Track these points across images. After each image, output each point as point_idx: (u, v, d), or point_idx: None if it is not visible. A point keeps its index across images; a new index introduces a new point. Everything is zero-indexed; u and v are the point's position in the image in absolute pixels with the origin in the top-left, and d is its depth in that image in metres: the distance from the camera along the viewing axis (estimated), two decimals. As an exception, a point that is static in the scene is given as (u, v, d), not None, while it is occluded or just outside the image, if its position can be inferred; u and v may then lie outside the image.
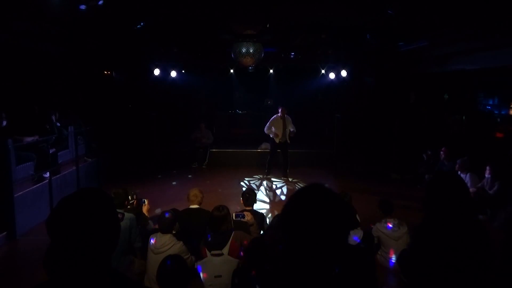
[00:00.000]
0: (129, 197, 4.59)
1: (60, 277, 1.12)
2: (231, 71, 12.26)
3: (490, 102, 10.13)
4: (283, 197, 7.78)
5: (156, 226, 4.19)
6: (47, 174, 6.59)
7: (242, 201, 4.69)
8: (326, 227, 1.06)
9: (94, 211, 1.15)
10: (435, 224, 1.92)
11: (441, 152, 7.75)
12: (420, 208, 2.07)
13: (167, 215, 3.79)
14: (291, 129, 8.89)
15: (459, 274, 1.81)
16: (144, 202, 4.80)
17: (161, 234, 3.68)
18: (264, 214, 5.06)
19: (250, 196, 4.67)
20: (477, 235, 1.87)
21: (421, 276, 1.93)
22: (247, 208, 4.60)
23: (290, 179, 9.03)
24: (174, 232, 4.21)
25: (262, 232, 4.41)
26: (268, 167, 9.16)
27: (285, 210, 1.16)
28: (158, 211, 5.95)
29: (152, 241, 3.66)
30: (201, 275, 3.35)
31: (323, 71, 11.01)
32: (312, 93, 12.27)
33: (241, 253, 3.49)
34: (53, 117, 7.71)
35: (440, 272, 1.84)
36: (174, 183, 8.89)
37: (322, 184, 1.16)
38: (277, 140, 8.90)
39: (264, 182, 8.87)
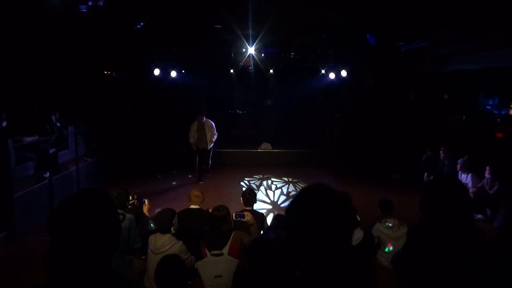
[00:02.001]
0: (130, 197, 4.60)
1: (60, 277, 1.11)
2: (231, 71, 12.26)
3: (490, 102, 10.13)
4: (283, 197, 7.78)
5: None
6: (47, 174, 6.59)
7: (242, 201, 4.69)
8: (330, 227, 1.06)
9: (95, 211, 1.15)
10: (430, 227, 1.91)
11: (440, 152, 7.75)
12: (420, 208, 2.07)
13: (164, 211, 3.81)
14: (214, 137, 8.77)
15: (453, 277, 1.80)
16: (144, 202, 4.80)
17: (161, 234, 3.68)
18: (264, 214, 5.06)
19: (250, 196, 4.67)
20: (473, 238, 1.86)
21: (415, 277, 1.92)
22: (247, 208, 4.60)
23: (290, 179, 9.01)
24: (174, 232, 4.21)
25: (262, 232, 4.41)
26: (198, 174, 8.84)
27: (289, 210, 1.16)
28: (158, 211, 5.95)
29: (152, 241, 3.66)
30: None
31: (323, 71, 11.01)
32: (312, 93, 12.27)
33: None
34: (53, 117, 7.72)
35: (434, 274, 1.83)
36: (174, 183, 8.88)
37: (325, 184, 1.16)
38: (193, 147, 8.70)
39: (264, 182, 8.87)
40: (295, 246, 1.10)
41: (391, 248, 4.39)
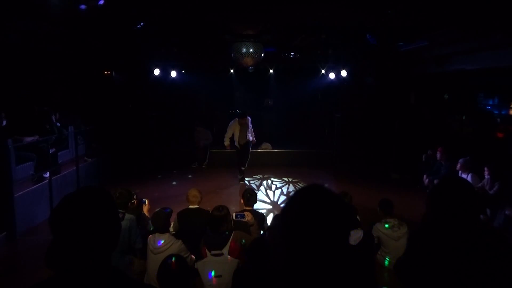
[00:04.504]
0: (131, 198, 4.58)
1: (61, 273, 1.13)
2: (231, 71, 12.26)
3: (490, 102, 10.13)
4: (283, 197, 7.78)
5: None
6: (47, 174, 6.59)
7: (242, 201, 4.69)
8: (325, 228, 1.05)
9: (96, 208, 1.17)
10: (433, 230, 1.88)
11: (438, 152, 7.75)
12: (420, 209, 2.04)
13: (166, 211, 3.80)
14: (250, 136, 8.75)
15: (458, 281, 1.77)
16: (145, 202, 4.79)
17: (159, 234, 3.67)
18: (264, 214, 5.06)
19: (251, 196, 4.67)
20: (482, 241, 1.79)
21: (417, 282, 1.89)
22: (247, 208, 4.60)
23: (290, 179, 9.01)
24: (173, 232, 4.21)
25: (262, 232, 4.41)
26: (240, 172, 8.88)
27: (284, 211, 1.15)
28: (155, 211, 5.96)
29: (151, 241, 3.66)
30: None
31: (323, 71, 11.01)
32: (312, 93, 12.26)
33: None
34: (53, 117, 7.72)
35: (437, 279, 1.81)
36: (174, 183, 8.89)
37: (321, 185, 1.15)
38: (228, 147, 8.75)
39: (264, 182, 8.87)
40: (291, 247, 1.09)
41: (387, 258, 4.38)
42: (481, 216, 6.21)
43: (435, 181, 7.74)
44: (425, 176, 7.93)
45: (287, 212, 1.13)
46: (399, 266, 2.16)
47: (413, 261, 1.98)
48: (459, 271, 1.74)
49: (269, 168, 10.09)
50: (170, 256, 2.75)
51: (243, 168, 8.86)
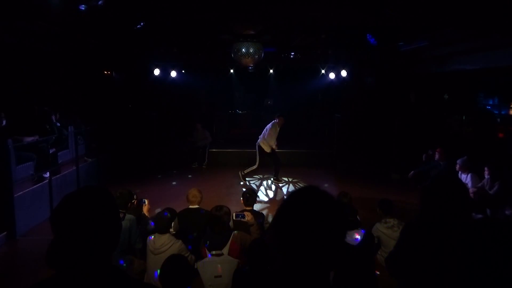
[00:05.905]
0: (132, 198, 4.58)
1: (61, 273, 1.13)
2: (231, 71, 12.26)
3: (490, 102, 10.14)
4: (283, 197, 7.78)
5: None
6: (47, 174, 6.59)
7: (242, 201, 4.69)
8: (319, 229, 1.04)
9: (97, 207, 1.17)
10: (423, 226, 1.89)
11: (436, 153, 7.75)
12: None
13: (165, 214, 3.79)
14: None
15: (444, 276, 1.78)
16: (144, 202, 4.79)
17: (159, 235, 3.67)
18: (264, 214, 5.06)
19: (250, 196, 4.67)
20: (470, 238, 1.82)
21: (405, 276, 1.90)
22: (247, 208, 4.60)
23: (290, 179, 9.02)
24: (173, 232, 4.21)
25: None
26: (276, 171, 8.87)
27: (278, 212, 1.15)
28: (158, 211, 5.95)
29: (151, 242, 3.65)
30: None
31: (323, 71, 11.02)
32: (312, 93, 12.27)
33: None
34: (53, 117, 7.71)
35: (423, 273, 1.81)
36: (174, 183, 8.88)
37: (316, 186, 1.15)
38: (275, 147, 8.68)
39: (264, 182, 8.87)
40: (285, 249, 1.08)
41: None
42: (481, 216, 6.21)
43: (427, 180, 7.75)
44: (412, 172, 7.90)
45: (281, 214, 1.13)
46: (389, 259, 2.18)
47: (402, 255, 2.01)
48: (445, 266, 1.77)
49: (269, 168, 10.08)
50: (172, 257, 2.74)
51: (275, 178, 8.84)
